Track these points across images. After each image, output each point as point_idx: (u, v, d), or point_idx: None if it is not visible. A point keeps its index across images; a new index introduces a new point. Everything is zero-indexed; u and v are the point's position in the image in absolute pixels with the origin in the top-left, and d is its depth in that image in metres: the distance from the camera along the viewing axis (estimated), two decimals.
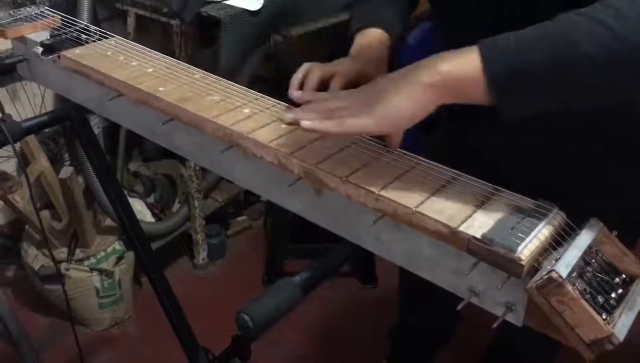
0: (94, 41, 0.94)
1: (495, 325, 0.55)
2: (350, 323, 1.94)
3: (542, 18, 0.61)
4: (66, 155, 2.01)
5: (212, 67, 1.73)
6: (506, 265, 0.53)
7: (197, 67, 0.86)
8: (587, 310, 0.50)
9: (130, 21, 1.86)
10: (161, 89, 0.79)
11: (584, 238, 0.55)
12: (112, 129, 2.01)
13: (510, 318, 0.55)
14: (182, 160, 2.07)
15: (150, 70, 0.85)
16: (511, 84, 0.59)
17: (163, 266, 1.87)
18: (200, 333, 1.18)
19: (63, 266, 1.77)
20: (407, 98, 0.62)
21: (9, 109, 1.80)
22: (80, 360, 1.34)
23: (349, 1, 1.98)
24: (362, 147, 0.69)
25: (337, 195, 0.64)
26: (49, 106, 1.92)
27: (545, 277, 0.50)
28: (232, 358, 0.91)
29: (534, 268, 0.53)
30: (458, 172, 0.64)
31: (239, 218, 2.34)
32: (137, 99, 0.81)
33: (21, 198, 1.71)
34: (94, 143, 1.09)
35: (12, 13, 1.00)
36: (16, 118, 1.01)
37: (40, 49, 0.94)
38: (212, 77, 0.83)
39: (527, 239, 0.53)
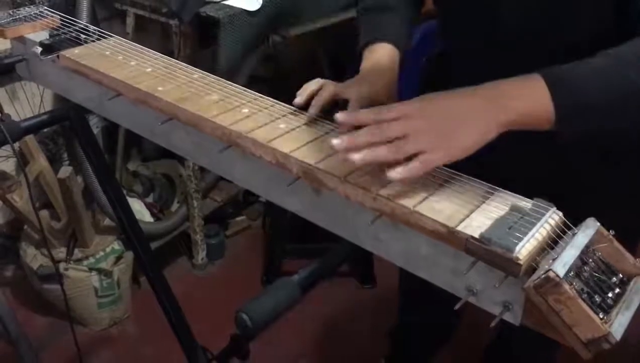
0: (93, 41, 0.94)
1: (492, 324, 0.56)
2: (349, 323, 1.94)
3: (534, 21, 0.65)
4: (65, 155, 2.01)
5: (211, 67, 1.73)
6: (504, 264, 0.53)
7: (196, 67, 0.87)
8: (584, 310, 0.50)
9: (129, 21, 1.86)
10: (160, 88, 0.80)
11: (581, 238, 0.55)
12: (111, 128, 2.01)
13: (507, 317, 0.56)
14: (181, 160, 2.07)
15: (149, 70, 0.85)
16: (574, 117, 0.66)
17: (162, 266, 1.86)
18: (199, 332, 1.18)
19: (62, 266, 1.77)
20: (481, 134, 0.63)
21: (7, 108, 1.80)
22: (79, 360, 1.34)
23: (350, 2, 1.99)
24: None
25: (336, 195, 0.64)
26: (48, 106, 1.92)
27: (543, 276, 0.50)
28: (231, 358, 0.91)
29: (532, 268, 0.53)
30: (456, 172, 0.64)
31: (238, 219, 2.34)
32: (136, 99, 0.81)
33: (20, 198, 1.71)
34: (92, 143, 1.09)
35: (11, 13, 1.00)
36: (15, 118, 1.01)
37: (39, 49, 0.94)
38: (210, 77, 0.84)
39: (525, 239, 0.53)
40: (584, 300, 0.50)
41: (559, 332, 0.52)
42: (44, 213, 1.87)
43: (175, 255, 2.17)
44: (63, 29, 0.98)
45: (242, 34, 1.75)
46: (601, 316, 0.51)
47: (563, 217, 0.58)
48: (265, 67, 2.12)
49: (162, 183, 2.13)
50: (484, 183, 0.62)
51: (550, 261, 0.52)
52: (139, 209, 2.03)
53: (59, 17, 1.00)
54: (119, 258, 1.86)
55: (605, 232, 0.57)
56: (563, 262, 0.51)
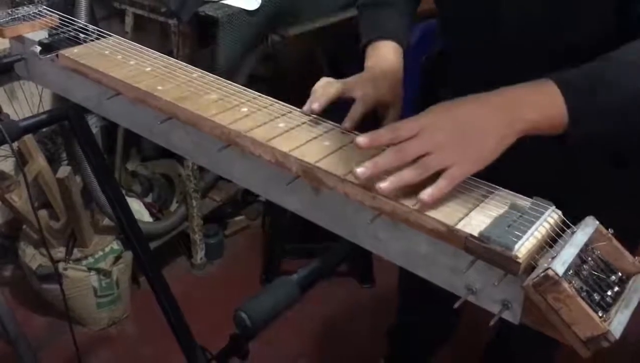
0: (92, 40, 0.94)
1: (492, 322, 0.56)
2: (348, 322, 1.94)
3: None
4: (64, 155, 2.00)
5: (210, 66, 1.73)
6: (503, 263, 0.53)
7: (195, 67, 0.87)
8: (584, 308, 0.50)
9: (128, 20, 1.86)
10: (159, 87, 0.80)
11: (580, 237, 0.55)
12: (110, 128, 2.01)
13: (507, 316, 0.56)
14: (180, 160, 2.07)
15: (148, 69, 0.85)
16: (587, 119, 0.66)
17: (161, 266, 1.86)
18: (198, 332, 1.18)
19: (61, 266, 1.77)
20: (500, 143, 0.63)
21: (6, 108, 1.80)
22: (78, 360, 1.33)
23: (348, 1, 1.98)
24: None
25: (335, 194, 0.64)
26: (47, 106, 1.92)
27: (542, 274, 0.50)
28: (230, 357, 0.91)
29: (531, 266, 0.53)
30: None
31: (237, 218, 2.34)
32: (135, 98, 0.81)
33: (19, 198, 1.71)
34: (91, 142, 1.09)
35: (10, 12, 1.00)
36: (14, 117, 1.01)
37: (38, 48, 0.94)
38: (210, 76, 0.84)
39: (524, 237, 0.53)
40: (583, 298, 0.50)
41: (558, 330, 0.52)
42: (43, 213, 1.87)
43: (174, 255, 2.17)
44: (62, 28, 0.98)
45: (241, 34, 1.75)
46: (600, 314, 0.51)
47: (562, 216, 0.58)
48: (265, 66, 2.12)
49: (161, 183, 2.13)
50: (484, 182, 0.63)
51: (550, 259, 0.52)
52: (138, 209, 2.03)
53: (57, 16, 1.00)
54: (117, 258, 1.86)
55: (604, 230, 0.57)
56: (562, 261, 0.51)
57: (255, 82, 1.98)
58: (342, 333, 1.90)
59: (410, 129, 0.63)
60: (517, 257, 0.52)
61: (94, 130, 1.85)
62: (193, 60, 1.72)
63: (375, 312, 1.95)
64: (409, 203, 0.59)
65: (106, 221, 1.87)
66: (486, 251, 0.53)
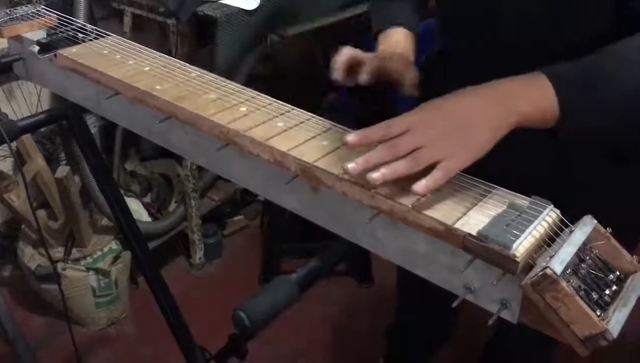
0: (91, 40, 0.94)
1: (490, 322, 0.56)
2: (347, 322, 1.94)
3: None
4: (62, 155, 2.00)
5: (208, 66, 1.73)
6: (501, 262, 0.53)
7: (193, 66, 0.87)
8: (582, 307, 0.50)
9: (127, 20, 1.86)
10: (158, 87, 0.79)
11: (578, 235, 0.55)
12: (108, 128, 2.01)
13: (505, 315, 0.56)
14: (179, 160, 2.07)
15: (147, 68, 0.85)
16: (578, 112, 0.67)
17: (160, 265, 1.86)
18: (197, 332, 1.18)
19: (59, 265, 1.77)
20: (492, 135, 0.64)
21: (5, 108, 1.80)
22: (77, 360, 1.33)
23: (347, 1, 1.99)
24: None
25: (334, 193, 0.64)
26: (45, 106, 1.91)
27: (540, 273, 0.50)
28: (229, 357, 0.91)
29: (529, 265, 0.53)
30: None
31: (236, 218, 2.34)
32: (134, 98, 0.81)
33: (17, 198, 1.70)
34: (90, 142, 1.09)
35: (9, 12, 1.00)
36: (12, 117, 1.01)
37: (36, 48, 0.94)
38: (208, 76, 0.83)
39: (522, 236, 0.54)
40: (581, 297, 0.50)
41: (556, 329, 0.52)
42: (42, 213, 1.87)
43: (173, 254, 2.17)
44: (60, 28, 0.98)
45: (240, 33, 1.75)
46: (598, 313, 0.51)
47: (560, 215, 0.58)
48: (263, 66, 2.11)
49: (159, 183, 2.13)
50: (482, 181, 0.63)
51: (548, 258, 0.52)
52: (137, 209, 2.02)
53: (56, 16, 1.00)
54: (116, 258, 1.86)
55: (602, 229, 0.57)
56: (560, 260, 0.51)
57: (254, 82, 1.98)
58: (341, 332, 1.90)
59: (401, 126, 0.63)
60: (515, 256, 0.52)
61: (93, 130, 1.85)
62: (192, 60, 1.72)
63: (374, 311, 1.95)
64: (407, 202, 0.59)
65: (105, 221, 1.87)
66: (484, 250, 0.53)
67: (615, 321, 0.51)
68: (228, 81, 0.82)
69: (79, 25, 0.98)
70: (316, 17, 1.95)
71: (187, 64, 0.87)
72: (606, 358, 0.79)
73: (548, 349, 1.26)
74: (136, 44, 0.93)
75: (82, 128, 1.07)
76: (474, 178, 0.63)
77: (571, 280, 0.52)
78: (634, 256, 0.57)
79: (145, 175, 2.13)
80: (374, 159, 0.61)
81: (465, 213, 0.57)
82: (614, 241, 0.57)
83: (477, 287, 0.56)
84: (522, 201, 0.59)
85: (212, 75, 0.84)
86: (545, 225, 0.56)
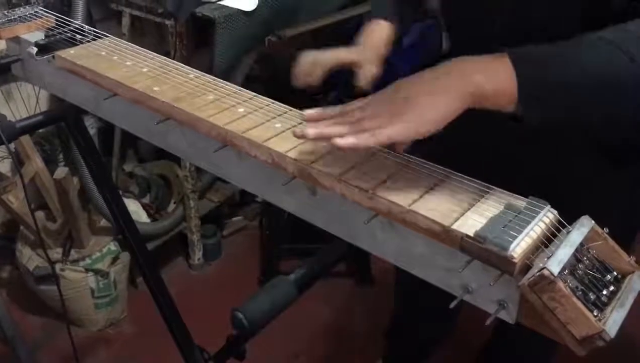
0: (89, 41, 0.94)
1: (488, 322, 0.56)
2: (347, 323, 1.94)
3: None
4: (61, 156, 2.00)
5: (207, 67, 1.73)
6: (499, 263, 0.53)
7: (191, 68, 0.87)
8: (579, 307, 0.50)
9: (125, 22, 1.86)
10: (156, 88, 0.80)
11: (575, 236, 0.55)
12: (107, 129, 2.01)
13: (503, 315, 0.56)
14: (178, 161, 2.07)
15: (145, 70, 0.85)
16: (539, 99, 0.63)
17: (159, 266, 1.86)
18: (196, 333, 1.18)
19: (58, 266, 1.77)
20: (440, 104, 0.62)
21: (3, 109, 1.79)
22: (76, 361, 1.33)
23: (345, 2, 1.99)
24: None
25: (332, 194, 0.64)
26: (44, 107, 1.91)
27: (537, 274, 0.50)
28: (228, 358, 0.91)
29: (526, 266, 0.53)
30: (451, 171, 0.64)
31: (235, 219, 2.34)
32: (132, 99, 0.81)
33: (16, 199, 1.70)
34: (88, 143, 1.09)
35: (6, 13, 1.00)
36: (10, 119, 1.01)
37: (34, 49, 0.94)
38: (206, 77, 0.84)
39: (520, 237, 0.54)
40: (578, 298, 0.51)
41: (553, 329, 0.52)
42: (40, 214, 1.87)
43: (172, 255, 2.17)
44: (58, 29, 0.98)
45: (238, 34, 1.75)
46: (595, 314, 0.51)
47: (557, 215, 0.58)
48: (261, 67, 2.12)
49: (158, 184, 2.13)
50: (479, 181, 0.63)
51: (545, 259, 0.52)
52: (136, 210, 2.02)
53: (54, 17, 1.00)
54: (115, 259, 1.86)
55: (599, 230, 0.57)
56: (557, 260, 0.52)
57: (252, 83, 1.98)
58: (340, 333, 1.90)
59: (357, 103, 0.67)
60: (512, 257, 0.52)
61: (91, 131, 1.85)
62: (190, 61, 1.72)
63: (373, 312, 1.95)
64: (405, 203, 0.59)
65: (103, 222, 1.87)
66: (482, 251, 0.54)
67: (613, 321, 0.51)
68: (226, 82, 0.82)
69: (77, 26, 0.98)
70: (314, 18, 1.95)
71: (185, 65, 0.87)
72: (605, 358, 0.79)
73: (546, 350, 1.26)
74: (134, 45, 0.93)
75: (80, 129, 1.07)
76: (472, 179, 0.63)
77: (568, 281, 0.52)
78: (632, 256, 0.57)
79: (144, 176, 2.13)
80: (331, 126, 0.65)
81: (462, 214, 0.57)
82: (611, 241, 0.57)
83: (475, 287, 0.57)
84: (520, 202, 0.59)
85: (210, 76, 0.84)
86: (543, 226, 0.56)
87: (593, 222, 0.57)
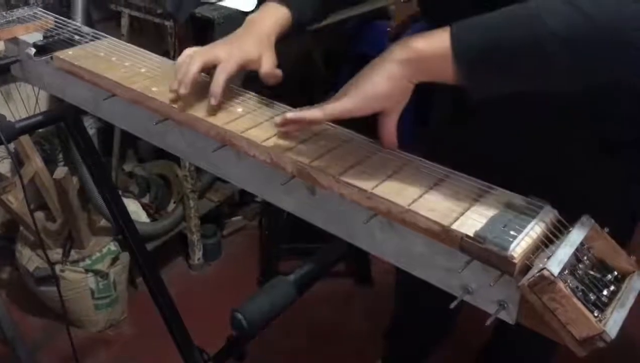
0: (87, 42, 0.94)
1: (488, 322, 0.55)
2: (346, 323, 1.94)
3: None
4: (60, 156, 2.00)
5: None
6: (499, 263, 0.53)
7: None
8: (579, 308, 0.50)
9: (124, 22, 1.86)
10: (154, 89, 0.79)
11: (575, 236, 0.55)
12: (106, 129, 2.01)
13: (503, 316, 0.55)
14: (177, 161, 2.07)
15: (143, 70, 0.85)
16: (478, 61, 0.61)
17: (158, 266, 1.86)
18: (196, 333, 1.18)
19: (58, 267, 1.77)
20: (382, 75, 0.64)
21: (3, 109, 1.79)
22: (76, 362, 1.33)
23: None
24: (355, 145, 0.69)
25: (331, 194, 0.64)
26: (43, 107, 1.91)
27: (537, 274, 0.50)
28: (228, 359, 0.91)
29: (526, 266, 0.53)
30: (450, 170, 0.64)
31: (235, 219, 2.34)
32: (130, 99, 0.81)
33: (15, 199, 1.70)
34: (88, 143, 1.09)
35: (5, 14, 1.00)
36: (10, 119, 1.01)
37: (32, 50, 0.94)
38: (205, 77, 0.83)
39: (520, 237, 0.53)
40: (578, 298, 0.50)
41: (554, 330, 0.52)
42: (40, 215, 1.86)
43: (171, 255, 2.17)
44: (57, 30, 0.98)
45: None
46: (596, 314, 0.51)
47: (558, 215, 0.58)
48: None
49: (158, 183, 2.13)
50: (479, 181, 0.62)
51: (545, 259, 0.52)
52: (135, 210, 2.02)
53: (52, 18, 1.00)
54: (115, 260, 1.86)
55: (599, 229, 0.57)
56: (557, 260, 0.51)
57: (251, 82, 1.98)
58: (340, 333, 1.90)
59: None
60: (512, 257, 0.52)
61: (91, 131, 1.85)
62: None
63: (373, 312, 1.95)
64: (404, 202, 0.58)
65: (103, 222, 1.87)
66: (482, 251, 0.53)
67: (613, 322, 0.51)
68: None
69: (75, 27, 0.98)
70: None
71: None
72: (605, 358, 0.78)
73: (546, 350, 1.26)
74: (132, 46, 0.93)
75: (80, 129, 1.07)
76: (471, 178, 0.63)
77: (568, 281, 0.52)
78: (632, 256, 0.57)
79: (144, 176, 2.13)
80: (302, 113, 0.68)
81: (462, 214, 0.57)
82: (611, 241, 0.57)
83: (475, 288, 0.56)
84: (520, 201, 0.59)
85: (209, 76, 0.84)
86: (543, 225, 0.56)
87: (593, 221, 0.57)
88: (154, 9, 1.74)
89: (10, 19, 0.99)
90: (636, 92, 0.85)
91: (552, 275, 0.50)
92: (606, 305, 0.53)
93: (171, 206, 2.12)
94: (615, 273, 0.56)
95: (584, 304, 0.50)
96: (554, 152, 0.89)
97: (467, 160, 0.69)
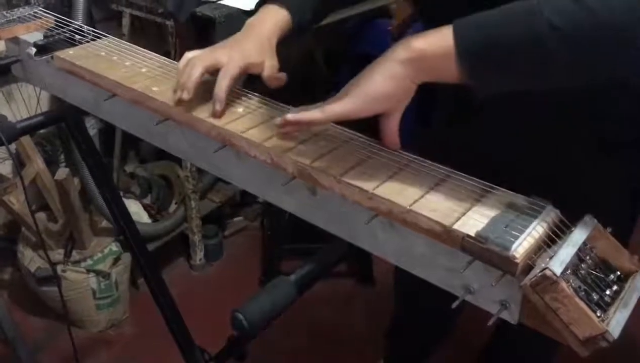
0: (88, 41, 0.94)
1: (490, 322, 0.55)
2: (347, 323, 1.94)
3: None
4: (62, 157, 2.00)
5: None
6: (500, 263, 0.53)
7: None
8: (582, 308, 0.50)
9: (125, 22, 1.86)
10: (155, 88, 0.79)
11: (578, 235, 0.55)
12: (108, 130, 2.01)
13: (505, 316, 0.55)
14: (179, 161, 2.07)
15: (144, 70, 0.85)
16: (481, 59, 0.60)
17: (160, 267, 1.86)
18: (197, 333, 1.17)
19: (60, 268, 1.77)
20: (384, 76, 0.63)
21: (4, 110, 1.79)
22: (77, 362, 1.33)
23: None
24: (356, 146, 0.69)
25: (332, 194, 0.64)
26: (45, 108, 1.91)
27: (539, 274, 0.50)
28: (228, 358, 0.91)
29: (529, 266, 0.53)
30: (451, 170, 0.64)
31: (236, 219, 2.34)
32: (131, 99, 0.81)
33: (17, 200, 1.70)
34: (89, 144, 1.09)
35: (6, 14, 1.00)
36: (11, 119, 1.01)
37: (33, 50, 0.94)
38: (206, 77, 0.83)
39: (522, 237, 0.53)
40: (581, 298, 0.50)
41: (556, 330, 0.51)
42: (41, 216, 1.86)
43: (173, 256, 2.17)
44: (57, 29, 0.97)
45: None
46: (598, 314, 0.51)
47: (560, 215, 0.57)
48: None
49: (159, 184, 2.13)
50: (480, 181, 0.62)
51: (547, 259, 0.52)
52: (137, 210, 2.02)
53: (53, 17, 1.00)
54: (116, 260, 1.86)
55: (602, 229, 0.56)
56: (560, 260, 0.51)
57: (252, 82, 1.98)
58: (341, 333, 1.90)
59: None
60: (514, 257, 0.52)
61: (92, 131, 1.85)
62: None
63: (374, 312, 1.94)
64: (406, 203, 0.58)
65: (105, 223, 1.87)
66: (483, 251, 0.53)
67: (616, 322, 0.51)
68: None
69: (76, 26, 0.98)
70: None
71: None
72: (606, 359, 0.78)
73: (548, 350, 1.26)
74: (133, 45, 0.93)
75: (81, 130, 1.07)
76: (473, 178, 0.63)
77: (571, 281, 0.52)
78: (635, 255, 0.57)
79: (145, 177, 2.13)
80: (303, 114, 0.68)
81: (464, 214, 0.57)
82: (614, 241, 0.56)
83: (477, 287, 0.56)
84: (522, 201, 0.59)
85: (210, 76, 0.83)
86: (545, 225, 0.56)
87: (595, 221, 0.56)
88: (155, 9, 1.74)
89: (11, 18, 0.99)
90: (635, 92, 0.84)
91: (555, 274, 0.49)
92: (609, 304, 0.52)
93: (173, 207, 2.12)
94: (618, 273, 0.56)
95: (586, 304, 0.50)
96: (553, 152, 0.89)
97: (468, 160, 0.69)
